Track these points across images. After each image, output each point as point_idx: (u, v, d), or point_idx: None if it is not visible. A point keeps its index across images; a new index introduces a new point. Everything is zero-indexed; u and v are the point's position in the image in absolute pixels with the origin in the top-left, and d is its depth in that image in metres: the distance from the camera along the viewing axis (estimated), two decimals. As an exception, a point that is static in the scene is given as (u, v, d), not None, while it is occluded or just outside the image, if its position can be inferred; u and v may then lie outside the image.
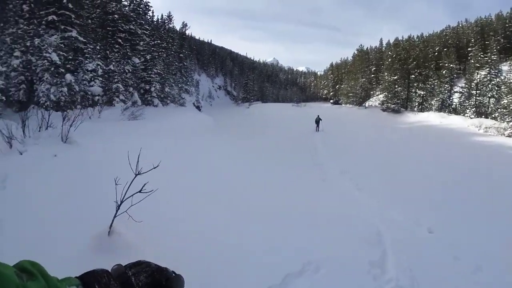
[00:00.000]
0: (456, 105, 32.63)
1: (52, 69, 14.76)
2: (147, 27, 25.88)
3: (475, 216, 6.11)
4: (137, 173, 2.90)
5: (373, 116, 35.88)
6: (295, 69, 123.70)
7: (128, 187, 2.85)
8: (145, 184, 2.85)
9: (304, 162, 11.33)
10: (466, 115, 29.44)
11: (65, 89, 14.44)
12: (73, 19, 17.95)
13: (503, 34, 43.46)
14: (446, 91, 34.25)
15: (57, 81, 14.51)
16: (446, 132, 21.96)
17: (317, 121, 23.46)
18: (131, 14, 23.44)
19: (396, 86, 37.67)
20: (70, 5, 17.71)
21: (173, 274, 0.67)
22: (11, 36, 15.65)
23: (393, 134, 20.91)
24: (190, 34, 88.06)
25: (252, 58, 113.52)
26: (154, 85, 19.52)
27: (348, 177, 9.15)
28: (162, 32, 38.97)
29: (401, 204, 6.67)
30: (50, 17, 17.31)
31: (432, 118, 28.68)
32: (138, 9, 25.43)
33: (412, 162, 11.42)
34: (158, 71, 20.26)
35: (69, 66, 15.89)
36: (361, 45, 60.42)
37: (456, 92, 33.17)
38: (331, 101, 60.50)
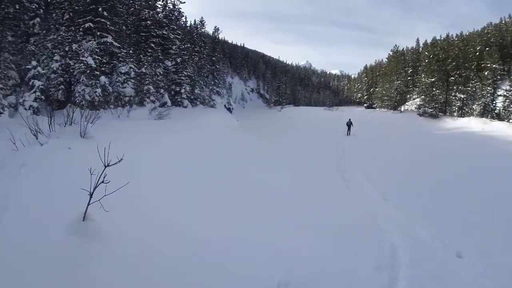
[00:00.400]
0: (500, 109, 29.26)
1: (88, 71, 15.62)
2: (179, 32, 26.58)
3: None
4: (106, 164, 2.96)
5: (408, 121, 33.91)
6: (328, 72, 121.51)
7: (99, 178, 2.91)
8: (105, 176, 2.90)
9: (329, 166, 10.85)
10: (511, 120, 26.89)
11: (99, 90, 15.19)
12: (108, 25, 18.94)
13: (553, 29, 38.74)
14: (488, 95, 30.77)
15: (92, 82, 15.29)
16: (487, 140, 19.63)
17: (348, 124, 23.31)
18: (164, 20, 24.34)
19: (434, 89, 35.11)
20: (105, 13, 18.68)
21: None
22: (52, 42, 16.73)
23: (428, 141, 19.32)
24: (223, 38, 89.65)
25: (284, 61, 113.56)
26: (184, 87, 19.98)
27: (375, 185, 8.45)
28: (195, 36, 40.12)
29: (431, 220, 5.90)
30: (87, 24, 18.39)
31: (473, 124, 26.31)
32: (171, 15, 26.24)
33: (447, 174, 9.92)
34: (188, 73, 20.71)
35: (103, 69, 16.72)
36: (396, 45, 56.92)
37: (500, 95, 29.70)
38: (365, 105, 58.50)
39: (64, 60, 16.25)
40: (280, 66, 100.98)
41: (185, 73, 20.20)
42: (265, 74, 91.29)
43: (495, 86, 31.03)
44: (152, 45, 21.31)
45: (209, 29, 63.14)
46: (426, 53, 42.19)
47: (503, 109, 28.63)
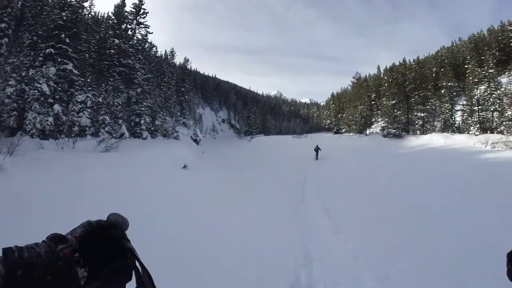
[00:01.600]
0: (459, 123, 32.20)
1: (42, 99, 15.29)
2: (145, 62, 26.75)
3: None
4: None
5: (373, 143, 35.30)
6: (298, 101, 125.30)
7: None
8: None
9: (286, 196, 10.73)
10: (470, 132, 29.00)
11: (51, 118, 14.86)
12: (70, 52, 18.89)
13: (497, 47, 43.35)
14: (447, 111, 33.93)
15: (45, 110, 14.94)
16: (450, 153, 20.93)
17: (316, 150, 25.27)
18: (130, 49, 24.46)
19: (396, 111, 37.42)
20: (67, 40, 18.64)
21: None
22: (11, 65, 16.42)
23: (392, 160, 20.17)
24: (195, 69, 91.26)
25: (255, 91, 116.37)
26: (143, 118, 19.80)
27: (331, 215, 7.97)
28: (165, 67, 40.56)
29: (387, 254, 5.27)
30: (48, 50, 18.25)
31: (435, 139, 28.01)
32: (137, 45, 26.47)
33: (412, 193, 9.88)
34: (149, 104, 20.59)
35: (58, 97, 16.41)
36: (357, 72, 62.04)
37: (458, 110, 32.79)
38: (334, 131, 60.35)
39: (19, 86, 15.89)
40: (251, 96, 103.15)
41: (145, 103, 20.09)
42: (236, 105, 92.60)
43: (453, 102, 34.62)
44: (115, 74, 21.29)
45: (180, 59, 63.74)
46: (385, 77, 45.14)
47: (462, 123, 31.58)
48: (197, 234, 5.55)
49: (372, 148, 30.72)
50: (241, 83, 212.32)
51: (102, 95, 17.90)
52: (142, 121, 19.71)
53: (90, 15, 32.27)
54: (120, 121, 18.63)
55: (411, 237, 6.07)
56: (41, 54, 18.09)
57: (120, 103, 19.14)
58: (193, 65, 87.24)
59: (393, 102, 38.22)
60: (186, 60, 51.19)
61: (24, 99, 15.70)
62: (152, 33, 29.05)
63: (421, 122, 35.92)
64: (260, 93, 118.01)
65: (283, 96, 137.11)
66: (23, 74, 16.15)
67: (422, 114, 35.55)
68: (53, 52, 18.37)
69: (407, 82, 38.32)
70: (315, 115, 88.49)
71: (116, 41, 23.07)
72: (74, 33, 19.71)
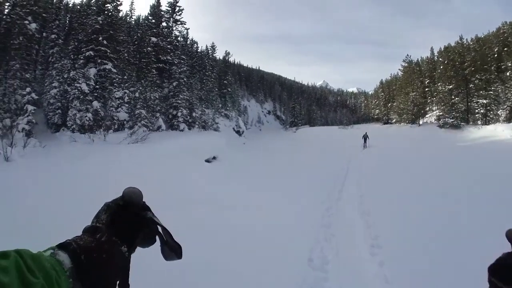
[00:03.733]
0: None
1: (81, 97, 16.10)
2: (184, 57, 27.14)
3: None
4: None
5: (427, 134, 31.44)
6: (345, 90, 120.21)
7: None
8: None
9: (319, 194, 8.67)
10: None
11: (90, 114, 15.55)
12: (108, 53, 19.74)
13: None
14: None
15: (84, 107, 15.66)
16: None
17: (365, 137, 24.94)
18: (168, 46, 25.05)
19: (453, 97, 32.61)
20: (105, 42, 19.49)
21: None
22: (56, 70, 17.63)
23: (450, 155, 16.44)
24: (238, 62, 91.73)
25: (300, 82, 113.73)
26: (180, 110, 19.98)
27: (369, 222, 6.08)
28: (206, 61, 41.18)
29: None
30: (88, 53, 19.27)
31: (500, 131, 23.89)
32: (176, 41, 26.90)
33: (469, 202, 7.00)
34: (185, 97, 20.71)
35: (96, 94, 17.15)
36: (407, 55, 52.67)
37: None
38: (383, 121, 56.39)
39: (62, 87, 16.88)
40: (296, 87, 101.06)
41: (181, 96, 20.23)
42: (281, 96, 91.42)
43: (520, 86, 28.81)
44: (153, 70, 21.81)
45: (221, 53, 64.22)
46: (440, 59, 40.09)
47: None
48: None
49: (426, 140, 26.90)
50: (286, 74, 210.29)
51: (139, 90, 18.34)
52: (179, 114, 19.93)
53: (132, 19, 33.82)
54: (158, 114, 19.01)
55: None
56: (82, 57, 19.08)
57: (157, 97, 19.52)
58: (236, 59, 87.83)
59: (450, 87, 33.36)
60: (227, 53, 51.33)
61: (67, 98, 16.66)
62: (189, 28, 29.53)
63: (482, 111, 30.82)
64: (305, 84, 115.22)
65: (329, 86, 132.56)
66: (65, 76, 17.10)
67: (484, 101, 30.34)
68: (93, 54, 19.39)
69: (466, 64, 33.05)
70: (362, 104, 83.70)
71: (154, 39, 23.76)
72: (111, 35, 20.57)
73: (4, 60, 18.07)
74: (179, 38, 29.22)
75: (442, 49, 44.59)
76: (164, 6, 26.79)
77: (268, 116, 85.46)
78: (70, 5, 28.27)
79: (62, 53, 19.37)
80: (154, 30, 25.12)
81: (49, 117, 16.80)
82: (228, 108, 38.13)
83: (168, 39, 25.74)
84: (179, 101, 20.12)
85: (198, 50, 45.54)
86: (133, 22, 33.87)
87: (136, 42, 24.26)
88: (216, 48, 50.77)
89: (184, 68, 22.04)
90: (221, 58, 51.80)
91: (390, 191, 8.62)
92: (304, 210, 6.98)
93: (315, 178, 11.16)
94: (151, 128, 17.56)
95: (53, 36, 20.98)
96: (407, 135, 32.46)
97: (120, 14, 23.70)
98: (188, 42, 45.10)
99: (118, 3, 21.38)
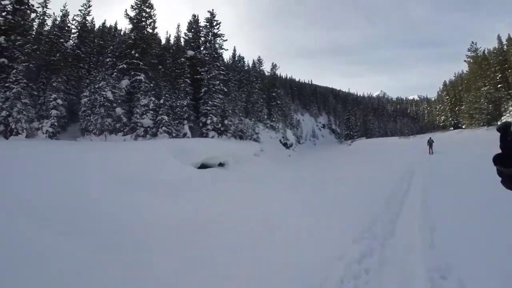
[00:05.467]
0: None
1: (106, 104, 15.88)
2: (223, 68, 26.61)
3: None
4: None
5: None
6: (404, 98, 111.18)
7: None
8: None
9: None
10: None
11: (109, 119, 15.41)
12: (141, 65, 19.87)
13: None
14: None
15: (105, 113, 15.55)
16: None
17: (430, 142, 23.86)
18: (206, 58, 24.74)
19: None
20: (137, 55, 19.84)
21: None
22: (89, 80, 18.41)
23: None
24: (290, 77, 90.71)
25: (355, 93, 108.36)
26: (210, 117, 18.80)
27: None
28: (253, 74, 40.62)
29: None
30: (121, 66, 19.48)
31: None
32: (214, 53, 26.50)
33: None
34: (216, 103, 19.55)
35: (120, 101, 17.01)
36: (473, 43, 42.34)
37: None
38: (451, 129, 49.01)
39: (93, 96, 17.05)
40: (351, 98, 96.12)
41: (211, 103, 19.08)
42: (336, 108, 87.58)
43: None
44: (187, 80, 21.30)
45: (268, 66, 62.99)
46: None
47: None
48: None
49: None
50: (340, 87, 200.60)
51: (164, 97, 17.65)
52: (208, 121, 18.78)
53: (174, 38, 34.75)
54: (185, 122, 18.06)
55: None
56: (115, 70, 19.41)
57: (185, 104, 18.66)
58: (288, 73, 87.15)
59: None
60: (274, 66, 50.48)
61: (94, 105, 16.70)
62: (226, 40, 28.94)
63: None
64: (361, 94, 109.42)
65: (386, 96, 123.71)
66: (96, 86, 17.18)
67: None
68: (125, 67, 19.67)
69: None
70: (425, 111, 75.29)
71: (190, 52, 23.82)
72: (143, 49, 20.86)
73: (45, 75, 18.87)
74: (219, 50, 29.04)
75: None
76: (202, 22, 27.34)
77: (323, 130, 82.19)
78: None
79: (99, 67, 19.99)
80: (192, 44, 25.48)
81: (78, 122, 17.33)
82: (274, 119, 36.33)
83: (205, 51, 25.59)
84: (208, 108, 18.99)
85: (245, 65, 44.78)
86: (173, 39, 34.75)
87: (170, 56, 24.35)
88: (262, 62, 50.35)
89: (214, 73, 20.88)
90: (268, 71, 50.73)
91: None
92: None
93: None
94: (174, 134, 16.61)
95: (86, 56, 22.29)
96: (481, 140, 26.00)
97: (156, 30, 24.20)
98: (236, 58, 45.19)
99: (151, 20, 22.04)
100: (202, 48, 26.34)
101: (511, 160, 0.92)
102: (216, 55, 27.67)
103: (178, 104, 18.02)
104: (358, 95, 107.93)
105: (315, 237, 5.34)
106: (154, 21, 22.96)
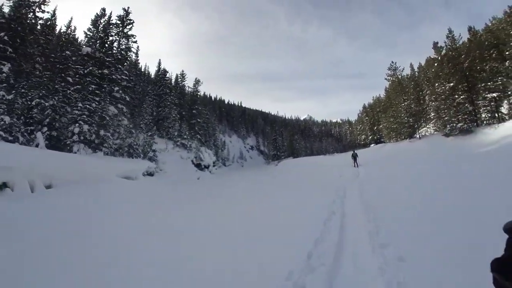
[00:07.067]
0: None
1: None
2: (126, 73, 22.80)
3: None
4: None
5: (432, 145, 25.11)
6: (329, 121, 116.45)
7: None
8: None
9: None
10: None
11: None
12: (8, 53, 15.23)
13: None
14: None
15: None
16: None
17: (354, 156, 23.77)
18: (107, 59, 20.82)
19: (456, 96, 26.22)
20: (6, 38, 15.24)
21: None
22: None
23: (475, 170, 10.52)
24: (220, 98, 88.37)
25: (283, 116, 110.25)
26: (79, 125, 14.42)
27: None
28: (163, 83, 36.95)
29: None
30: None
31: None
32: (117, 55, 22.58)
33: None
34: (89, 106, 15.23)
35: None
36: (393, 62, 43.76)
37: None
38: (372, 144, 50.44)
39: None
40: (279, 121, 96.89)
41: (82, 105, 14.78)
42: (264, 130, 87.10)
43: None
44: (69, 79, 16.83)
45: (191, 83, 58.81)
46: (432, 56, 32.81)
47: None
48: None
49: (435, 153, 21.07)
50: (269, 110, 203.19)
51: (17, 92, 13.03)
52: (76, 130, 14.30)
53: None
54: (40, 127, 13.49)
55: None
56: None
57: (48, 105, 14.12)
58: (218, 94, 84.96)
59: (451, 84, 26.73)
60: (197, 81, 46.93)
61: None
62: (136, 41, 25.29)
63: (492, 107, 25.07)
64: (289, 117, 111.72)
65: (313, 118, 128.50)
66: None
67: (493, 95, 24.42)
68: None
69: (463, 56, 26.88)
70: (348, 132, 80.00)
71: (87, 49, 19.73)
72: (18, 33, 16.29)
73: None
74: (127, 53, 25.25)
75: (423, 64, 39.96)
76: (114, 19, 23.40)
77: (251, 151, 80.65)
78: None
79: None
80: (93, 41, 21.57)
81: None
82: (185, 137, 32.47)
83: (110, 52, 21.60)
84: (78, 112, 14.60)
85: (166, 78, 40.71)
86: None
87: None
88: (186, 76, 46.80)
89: (90, 69, 16.73)
90: (191, 86, 47.06)
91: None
92: None
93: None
94: (21, 142, 11.95)
95: None
96: (407, 152, 26.06)
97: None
98: (159, 72, 40.78)
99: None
100: (106, 48, 22.15)
101: None
102: (121, 57, 23.90)
103: (32, 103, 13.42)
104: (286, 117, 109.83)
105: None
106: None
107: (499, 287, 0.75)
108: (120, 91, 21.46)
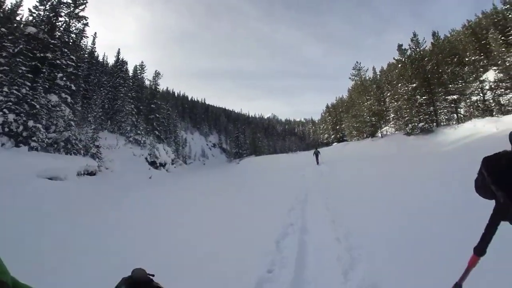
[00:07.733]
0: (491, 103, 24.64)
1: None
2: (73, 58, 20.83)
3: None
4: None
5: (394, 144, 25.54)
6: (292, 120, 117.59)
7: None
8: None
9: None
10: None
11: None
12: None
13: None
14: (478, 90, 25.66)
15: None
16: None
17: (316, 153, 24.39)
18: (53, 41, 19.33)
19: (418, 97, 27.18)
20: None
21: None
22: None
23: (436, 163, 12.01)
24: (183, 94, 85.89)
25: (247, 114, 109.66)
26: (4, 114, 12.32)
27: None
28: (118, 74, 34.56)
29: None
30: None
31: (481, 126, 20.04)
32: (66, 37, 20.56)
33: None
34: (14, 91, 13.12)
35: None
36: (357, 62, 43.41)
37: (491, 88, 24.88)
38: (334, 143, 51.03)
39: None
40: (242, 119, 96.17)
41: (6, 90, 12.67)
42: (227, 128, 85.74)
43: (480, 80, 26.05)
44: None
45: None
46: (395, 58, 33.81)
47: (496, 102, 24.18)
48: None
49: (397, 152, 21.67)
50: (233, 107, 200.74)
51: None
52: (-2, 120, 12.19)
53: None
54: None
55: None
56: None
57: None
58: (182, 90, 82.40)
59: (414, 85, 27.61)
60: (157, 74, 44.62)
61: None
62: (88, 24, 23.73)
63: (452, 108, 26.71)
64: (253, 115, 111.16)
65: (276, 117, 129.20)
66: None
67: (454, 97, 25.81)
68: None
69: (426, 59, 28.01)
70: (311, 131, 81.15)
71: (32, 29, 18.33)
72: None
73: None
74: (76, 37, 23.48)
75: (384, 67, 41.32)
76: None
77: (213, 149, 79.03)
78: None
79: None
80: (38, 20, 20.31)
81: None
82: (139, 132, 30.37)
83: (50, 32, 19.68)
84: (1, 97, 12.46)
85: (124, 69, 38.01)
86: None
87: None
88: (145, 68, 44.15)
89: (20, 47, 14.63)
90: (150, 79, 44.48)
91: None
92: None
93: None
94: None
95: None
96: (370, 150, 26.33)
97: None
98: (118, 62, 37.77)
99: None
100: (50, 28, 20.42)
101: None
102: (69, 41, 21.91)
103: None
104: (250, 115, 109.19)
105: None
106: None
107: (480, 186, 0.79)
108: (65, 78, 19.55)
